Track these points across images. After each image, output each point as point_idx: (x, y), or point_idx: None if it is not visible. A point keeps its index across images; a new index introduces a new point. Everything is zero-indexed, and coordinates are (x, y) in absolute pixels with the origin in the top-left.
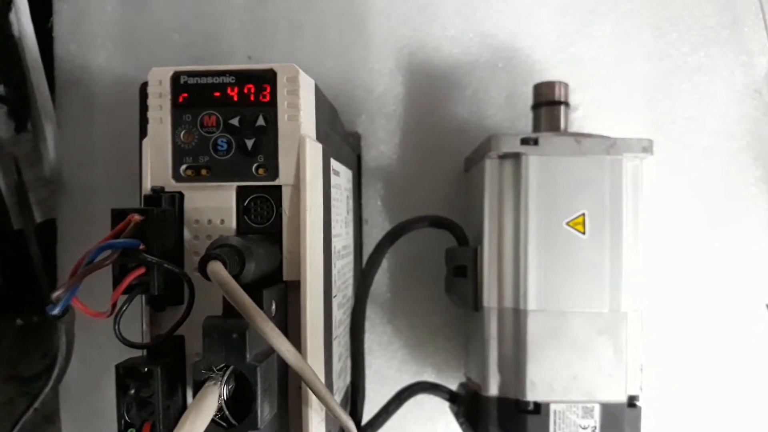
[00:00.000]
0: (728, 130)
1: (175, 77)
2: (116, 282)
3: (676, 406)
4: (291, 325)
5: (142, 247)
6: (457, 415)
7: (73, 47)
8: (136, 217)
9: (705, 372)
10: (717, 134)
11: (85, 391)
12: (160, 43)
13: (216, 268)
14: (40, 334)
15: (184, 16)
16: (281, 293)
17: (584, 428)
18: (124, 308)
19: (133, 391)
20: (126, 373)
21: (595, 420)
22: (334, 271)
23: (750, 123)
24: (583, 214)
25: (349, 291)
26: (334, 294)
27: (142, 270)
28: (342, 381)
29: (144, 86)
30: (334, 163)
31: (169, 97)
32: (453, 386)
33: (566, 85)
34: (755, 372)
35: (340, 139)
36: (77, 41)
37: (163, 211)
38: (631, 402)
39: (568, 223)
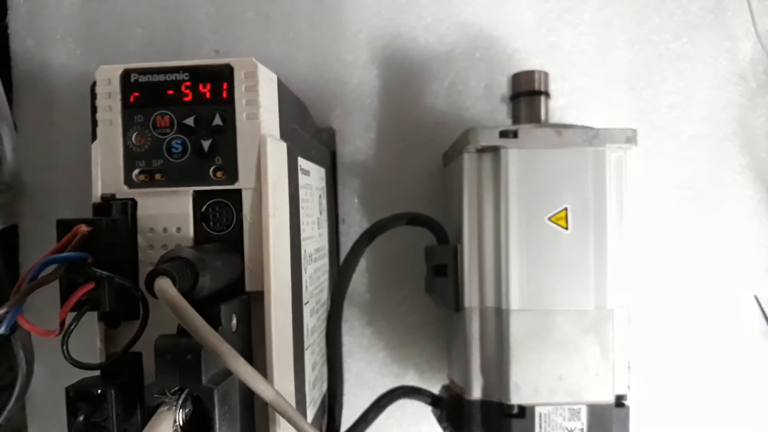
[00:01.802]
0: (713, 117)
1: (125, 75)
2: (64, 299)
3: (665, 404)
4: (256, 338)
5: (90, 260)
6: (440, 420)
7: (30, 44)
8: (83, 228)
9: (694, 368)
10: (702, 122)
11: (54, 405)
12: (123, 38)
13: (163, 285)
14: (5, 347)
15: (147, 8)
16: (243, 306)
17: (571, 431)
18: (73, 327)
19: (82, 418)
20: (77, 397)
21: (582, 422)
22: (305, 277)
23: (735, 110)
24: (566, 209)
25: (324, 295)
26: (305, 301)
27: (91, 285)
28: (317, 390)
29: (94, 86)
30: (303, 162)
31: (119, 96)
32: (436, 388)
33: (546, 74)
34: (745, 367)
35: (310, 135)
36: (35, 37)
37: (113, 221)
38: (619, 402)
39: (550, 219)
